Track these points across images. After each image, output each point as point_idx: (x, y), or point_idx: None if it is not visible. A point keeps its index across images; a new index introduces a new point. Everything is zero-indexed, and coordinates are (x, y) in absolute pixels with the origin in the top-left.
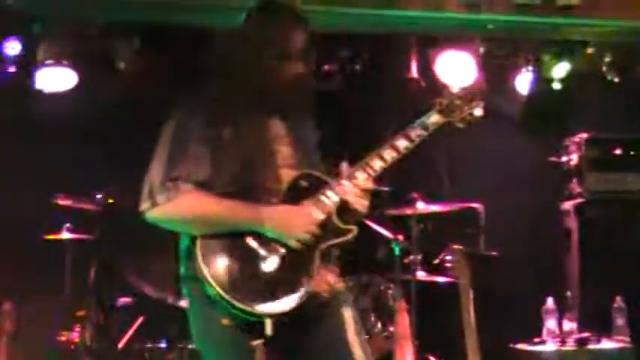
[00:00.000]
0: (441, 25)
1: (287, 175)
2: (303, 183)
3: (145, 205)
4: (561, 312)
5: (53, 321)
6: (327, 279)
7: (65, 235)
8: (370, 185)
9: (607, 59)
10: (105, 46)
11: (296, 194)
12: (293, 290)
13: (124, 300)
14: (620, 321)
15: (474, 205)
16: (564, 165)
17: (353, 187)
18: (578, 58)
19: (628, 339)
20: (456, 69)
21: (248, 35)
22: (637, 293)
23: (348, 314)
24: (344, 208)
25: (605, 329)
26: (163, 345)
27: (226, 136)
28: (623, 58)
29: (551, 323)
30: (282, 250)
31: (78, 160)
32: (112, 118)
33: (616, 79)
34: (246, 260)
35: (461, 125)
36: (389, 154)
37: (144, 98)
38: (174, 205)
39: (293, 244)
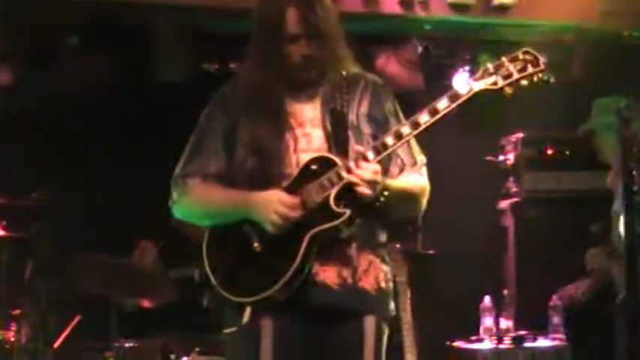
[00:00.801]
0: (379, 24)
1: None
2: (314, 166)
3: (170, 202)
4: (498, 310)
5: None
6: (339, 270)
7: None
8: (377, 167)
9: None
10: (44, 44)
11: (304, 178)
12: (271, 278)
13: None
14: (555, 319)
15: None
16: (501, 164)
17: (360, 169)
18: None
19: (564, 337)
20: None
21: (253, 23)
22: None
23: (370, 323)
24: (349, 191)
25: (541, 327)
26: (100, 344)
27: (243, 127)
28: (558, 58)
29: (488, 321)
30: (268, 236)
31: (14, 158)
32: (50, 117)
33: (551, 79)
34: (239, 246)
35: (509, 91)
36: (407, 130)
37: (82, 96)
38: (185, 199)
39: (269, 228)
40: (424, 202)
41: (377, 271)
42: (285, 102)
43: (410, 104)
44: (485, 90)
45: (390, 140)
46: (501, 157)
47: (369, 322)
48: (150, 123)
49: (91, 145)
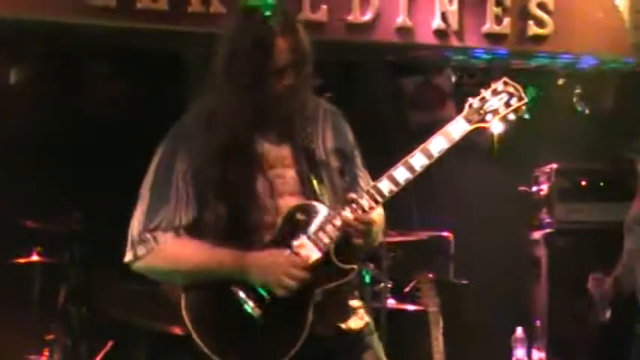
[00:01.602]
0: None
1: (288, 204)
2: (300, 216)
3: (128, 257)
4: (530, 341)
5: (22, 345)
6: (334, 320)
7: (34, 258)
8: (372, 217)
9: (577, 90)
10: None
11: (292, 229)
12: (279, 344)
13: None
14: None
15: (444, 233)
16: (534, 195)
17: (354, 218)
18: (548, 88)
19: None
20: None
21: (227, 50)
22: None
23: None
24: (344, 242)
25: (573, 359)
26: None
27: (212, 168)
28: (592, 89)
29: (520, 353)
30: (270, 299)
31: (47, 184)
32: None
33: (586, 111)
34: (232, 312)
35: (499, 127)
36: (402, 175)
37: (116, 122)
38: (154, 256)
39: (279, 292)
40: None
41: (359, 308)
42: (256, 142)
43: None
44: (477, 128)
45: (385, 186)
46: (535, 188)
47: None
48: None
49: (123, 170)
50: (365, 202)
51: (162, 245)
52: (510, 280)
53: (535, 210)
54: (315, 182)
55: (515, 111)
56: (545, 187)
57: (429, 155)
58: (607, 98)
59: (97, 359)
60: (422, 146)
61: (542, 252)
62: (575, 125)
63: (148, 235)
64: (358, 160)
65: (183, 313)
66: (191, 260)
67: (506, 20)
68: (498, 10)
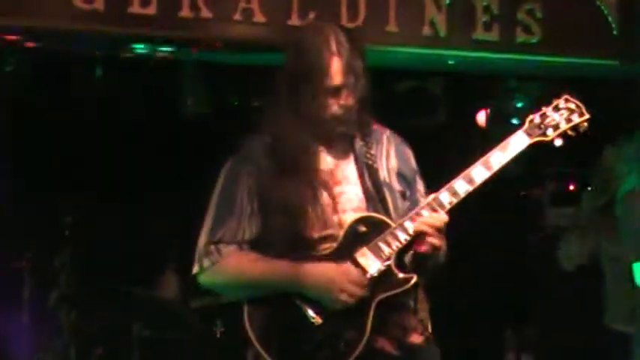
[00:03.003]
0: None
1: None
2: (362, 228)
3: (195, 270)
4: (521, 347)
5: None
6: (396, 334)
7: (25, 262)
8: (437, 223)
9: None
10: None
11: (353, 241)
12: (339, 352)
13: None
14: None
15: None
16: (527, 199)
17: (416, 228)
18: (537, 93)
19: None
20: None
21: (285, 72)
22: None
23: None
24: (407, 253)
25: None
26: None
27: (277, 184)
28: (581, 94)
29: (510, 357)
30: (329, 309)
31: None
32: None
33: None
34: (294, 322)
35: (559, 142)
36: (462, 187)
37: (108, 129)
38: (218, 269)
39: (337, 306)
40: None
41: (418, 324)
42: (320, 159)
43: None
44: (538, 142)
45: (445, 198)
46: (527, 192)
47: None
48: (173, 156)
49: (115, 176)
50: (426, 213)
51: (225, 258)
52: (504, 284)
53: (530, 213)
54: (378, 199)
55: (577, 127)
56: (538, 192)
57: (488, 167)
58: (595, 103)
59: None
60: (482, 159)
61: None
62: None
63: (212, 248)
64: (420, 187)
65: (246, 324)
66: (251, 272)
67: (495, 26)
68: (487, 17)
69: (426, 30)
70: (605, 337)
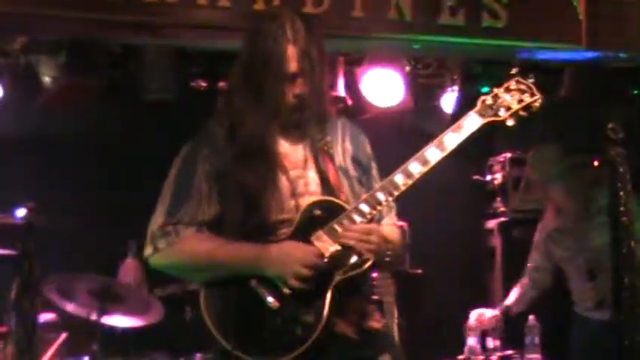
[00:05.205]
0: (367, 44)
1: (308, 203)
2: (317, 211)
3: (147, 251)
4: (484, 330)
5: None
6: (355, 317)
7: None
8: (359, 235)
9: (531, 80)
10: (29, 61)
11: (309, 224)
12: (298, 335)
13: (46, 316)
14: (531, 339)
15: (399, 223)
16: (489, 184)
17: (344, 244)
18: (501, 78)
19: (539, 357)
20: (383, 87)
21: (242, 58)
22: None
23: None
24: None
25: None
26: None
27: (235, 168)
28: (546, 79)
29: (471, 341)
30: (288, 292)
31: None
32: (35, 136)
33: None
34: (252, 306)
35: (511, 122)
36: (416, 169)
37: (68, 116)
38: (175, 250)
39: (293, 283)
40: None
41: (374, 310)
42: (278, 143)
43: (399, 124)
44: (491, 122)
45: (400, 179)
46: (489, 177)
47: None
48: (137, 143)
49: (76, 164)
50: (381, 195)
51: (183, 239)
52: (465, 269)
53: (489, 199)
54: (334, 184)
55: (529, 107)
56: (499, 177)
57: (442, 148)
58: (560, 88)
59: (50, 351)
60: (436, 140)
61: (496, 241)
62: (529, 114)
63: (170, 228)
64: (375, 172)
65: (203, 309)
66: (210, 254)
67: (461, 12)
68: (452, 2)
69: (392, 14)
70: (568, 319)
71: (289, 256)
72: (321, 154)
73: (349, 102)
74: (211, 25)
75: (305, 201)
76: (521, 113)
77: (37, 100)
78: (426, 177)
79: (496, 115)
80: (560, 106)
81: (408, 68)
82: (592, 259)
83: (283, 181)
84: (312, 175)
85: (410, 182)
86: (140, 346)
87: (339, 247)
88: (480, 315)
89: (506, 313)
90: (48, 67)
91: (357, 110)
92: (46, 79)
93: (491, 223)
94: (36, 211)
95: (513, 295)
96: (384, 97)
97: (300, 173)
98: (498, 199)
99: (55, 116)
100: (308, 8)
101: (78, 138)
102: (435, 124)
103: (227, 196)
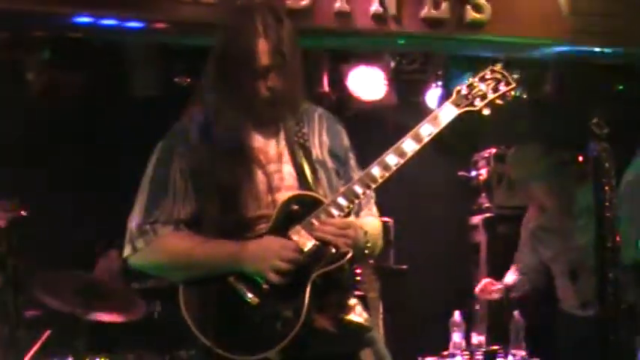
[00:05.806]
0: (351, 40)
1: (285, 198)
2: (294, 206)
3: (126, 251)
4: (469, 326)
5: None
6: (335, 311)
7: None
8: (335, 230)
9: (515, 75)
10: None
11: (287, 219)
12: (277, 331)
13: (30, 313)
14: (515, 335)
15: (384, 219)
16: (473, 180)
17: (320, 239)
18: None
19: (523, 353)
20: (367, 83)
21: (214, 53)
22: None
23: (367, 356)
24: None
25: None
26: (70, 359)
27: (210, 164)
28: (531, 74)
29: (456, 337)
30: (267, 287)
31: None
32: (18, 132)
33: (524, 96)
34: (231, 303)
35: (487, 112)
36: (393, 161)
37: (52, 112)
38: (153, 249)
39: (272, 277)
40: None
41: (356, 304)
42: (252, 138)
43: (383, 120)
44: (466, 112)
45: (377, 172)
46: (473, 173)
47: (366, 356)
48: (120, 138)
49: (59, 159)
50: (358, 188)
51: (161, 238)
52: (450, 264)
53: (474, 195)
54: (311, 178)
55: (504, 96)
56: (484, 172)
57: (418, 140)
58: (545, 83)
59: (35, 348)
60: (412, 132)
61: (481, 237)
62: (513, 110)
63: (148, 227)
64: (353, 163)
65: (182, 308)
66: (188, 253)
67: (445, 5)
68: None
69: (376, 8)
70: (554, 316)
71: (267, 251)
72: (296, 148)
73: (333, 98)
74: (196, 21)
75: (282, 196)
76: (497, 102)
77: (21, 97)
78: (410, 172)
79: (472, 104)
80: (544, 101)
81: (392, 64)
82: (575, 260)
83: (259, 177)
84: (288, 169)
85: (387, 174)
86: (125, 343)
87: (317, 242)
88: (487, 284)
89: (507, 290)
90: (32, 63)
91: (341, 106)
92: (30, 76)
93: (476, 219)
94: (20, 209)
95: (511, 277)
96: (369, 92)
97: (276, 167)
98: (483, 194)
99: (38, 113)
100: (291, 2)
101: (61, 133)
102: (419, 119)
103: (203, 194)
